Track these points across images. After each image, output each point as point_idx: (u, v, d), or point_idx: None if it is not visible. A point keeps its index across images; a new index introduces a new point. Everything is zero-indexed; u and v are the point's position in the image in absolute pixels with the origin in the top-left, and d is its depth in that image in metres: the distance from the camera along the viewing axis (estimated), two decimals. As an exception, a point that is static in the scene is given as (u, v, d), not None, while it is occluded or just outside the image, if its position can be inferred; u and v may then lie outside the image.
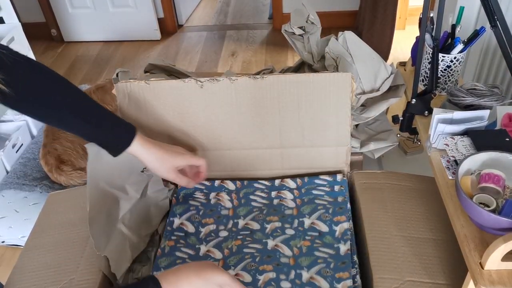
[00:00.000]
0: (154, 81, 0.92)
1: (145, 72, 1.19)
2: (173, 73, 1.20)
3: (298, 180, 0.97)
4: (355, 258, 0.82)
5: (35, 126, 1.96)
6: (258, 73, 1.22)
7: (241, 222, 0.92)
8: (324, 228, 0.88)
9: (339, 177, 0.97)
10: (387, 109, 1.10)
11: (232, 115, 0.94)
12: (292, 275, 0.80)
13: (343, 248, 0.84)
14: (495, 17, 0.92)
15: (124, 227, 0.88)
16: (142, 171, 0.94)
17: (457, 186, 0.70)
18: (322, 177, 0.97)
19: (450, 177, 0.79)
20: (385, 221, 0.85)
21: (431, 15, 1.00)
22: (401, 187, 0.92)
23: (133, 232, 0.90)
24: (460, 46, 1.00)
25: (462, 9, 1.02)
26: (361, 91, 1.02)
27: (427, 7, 0.89)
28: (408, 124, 1.01)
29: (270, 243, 0.87)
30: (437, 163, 0.83)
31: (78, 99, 0.83)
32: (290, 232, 0.89)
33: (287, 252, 0.85)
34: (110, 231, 0.86)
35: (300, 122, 0.94)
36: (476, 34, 1.00)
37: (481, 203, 0.67)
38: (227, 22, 3.49)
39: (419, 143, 1.19)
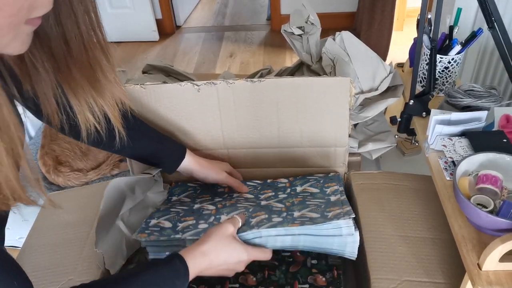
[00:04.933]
0: (150, 85, 0.91)
1: (143, 73, 1.20)
2: (171, 74, 1.20)
3: (291, 178, 0.97)
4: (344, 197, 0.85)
5: (33, 127, 1.96)
6: (256, 74, 1.22)
7: (235, 195, 0.94)
8: (315, 190, 0.90)
9: (331, 174, 0.96)
10: (385, 110, 1.10)
11: (230, 117, 0.94)
12: (284, 214, 0.81)
13: (334, 198, 0.86)
14: (493, 18, 0.92)
15: (123, 224, 0.88)
16: (153, 176, 0.95)
17: (454, 187, 0.70)
18: (315, 175, 0.97)
19: (448, 178, 0.79)
20: (382, 221, 0.85)
21: (429, 16, 1.00)
22: (398, 187, 0.92)
23: (131, 230, 0.90)
24: (457, 48, 1.00)
25: (459, 10, 1.02)
26: (359, 91, 1.02)
27: (425, 8, 0.89)
28: (406, 125, 1.02)
29: (263, 202, 0.88)
30: (435, 164, 0.83)
31: (141, 122, 0.91)
32: (282, 196, 0.91)
33: (280, 205, 0.86)
34: (109, 227, 0.86)
35: (298, 124, 0.94)
36: (473, 36, 1.00)
37: (478, 204, 0.68)
38: (225, 23, 3.50)
39: (417, 144, 1.19)
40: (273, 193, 0.92)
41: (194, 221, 0.83)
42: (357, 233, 0.75)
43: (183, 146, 0.93)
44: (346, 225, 0.75)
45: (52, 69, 0.57)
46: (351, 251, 0.76)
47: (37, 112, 0.68)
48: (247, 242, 0.76)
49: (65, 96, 0.61)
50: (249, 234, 0.76)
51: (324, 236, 0.75)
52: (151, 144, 0.90)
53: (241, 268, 0.73)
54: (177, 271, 0.66)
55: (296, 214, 0.81)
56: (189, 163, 0.92)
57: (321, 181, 0.93)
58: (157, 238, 0.80)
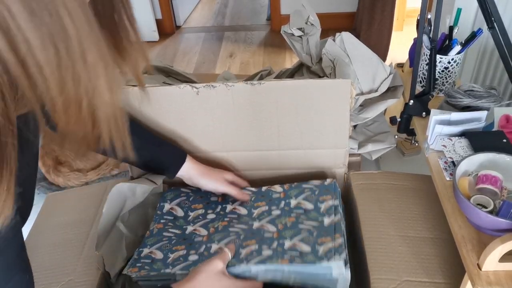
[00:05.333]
0: (148, 87, 0.91)
1: (143, 73, 1.19)
2: (171, 74, 1.20)
3: (286, 186, 0.96)
4: (342, 226, 0.82)
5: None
6: (255, 75, 1.22)
7: (229, 207, 0.93)
8: (309, 206, 0.88)
9: (328, 181, 0.94)
10: (385, 110, 1.10)
11: (229, 119, 0.94)
12: (275, 245, 0.79)
13: (327, 220, 0.83)
14: (493, 18, 0.93)
15: (123, 225, 0.89)
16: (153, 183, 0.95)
17: (454, 187, 0.70)
18: (311, 182, 0.96)
19: (448, 178, 0.79)
20: (382, 221, 0.85)
21: (429, 16, 1.00)
22: (398, 187, 0.92)
23: (130, 231, 0.90)
24: (457, 48, 1.00)
25: (459, 10, 1.02)
26: (359, 92, 1.02)
27: (424, 8, 0.89)
28: (406, 125, 1.02)
29: (256, 224, 0.87)
30: (434, 164, 0.83)
31: (140, 127, 0.93)
32: (276, 212, 0.89)
33: (272, 229, 0.85)
34: (109, 228, 0.86)
35: (298, 126, 0.94)
36: (473, 36, 1.00)
37: (478, 204, 0.68)
38: (225, 23, 3.50)
39: (417, 144, 1.19)
40: (267, 208, 0.91)
41: (185, 251, 0.83)
42: (348, 271, 0.73)
43: (183, 151, 0.93)
44: (337, 267, 0.73)
45: None
46: None
47: None
48: (236, 276, 0.76)
49: None
50: (238, 269, 0.76)
51: (315, 274, 0.74)
52: (151, 149, 0.90)
53: None
54: None
55: (287, 244, 0.79)
56: (189, 169, 0.92)
57: (316, 192, 0.91)
58: (147, 273, 0.79)
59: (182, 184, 0.99)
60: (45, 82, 0.39)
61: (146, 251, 0.84)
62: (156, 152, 0.90)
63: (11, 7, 0.34)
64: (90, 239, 0.88)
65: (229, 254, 0.77)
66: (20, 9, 0.35)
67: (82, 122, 0.44)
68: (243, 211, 0.92)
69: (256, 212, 0.91)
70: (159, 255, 0.83)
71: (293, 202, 0.91)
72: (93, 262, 0.83)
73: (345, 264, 0.73)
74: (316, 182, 0.95)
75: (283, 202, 0.91)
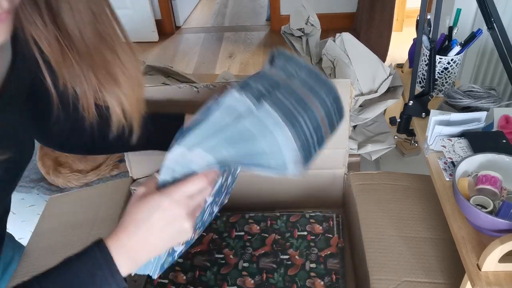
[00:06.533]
0: (148, 87, 0.91)
1: (143, 74, 1.20)
2: (170, 75, 1.20)
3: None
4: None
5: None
6: (256, 75, 1.22)
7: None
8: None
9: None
10: (385, 110, 1.10)
11: (230, 116, 0.94)
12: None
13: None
14: (492, 19, 0.93)
15: None
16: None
17: (454, 187, 0.70)
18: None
19: (447, 179, 0.80)
20: (381, 222, 0.85)
21: (428, 17, 1.00)
22: (397, 187, 0.92)
23: None
24: (457, 48, 1.00)
25: (459, 11, 1.02)
26: (359, 93, 1.03)
27: (424, 9, 0.89)
28: (406, 125, 1.02)
29: None
30: (434, 164, 0.83)
31: None
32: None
33: None
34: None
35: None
36: (473, 36, 1.00)
37: (478, 205, 0.68)
38: (225, 24, 3.50)
39: (416, 144, 1.20)
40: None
41: None
42: (266, 105, 0.52)
43: (180, 114, 0.81)
44: (230, 96, 0.53)
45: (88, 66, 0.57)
46: (290, 156, 0.55)
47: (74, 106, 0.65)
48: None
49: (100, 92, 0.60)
50: (161, 175, 0.58)
51: (235, 130, 0.53)
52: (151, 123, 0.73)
53: (179, 212, 0.55)
54: (94, 259, 0.56)
55: None
56: None
57: None
58: None
59: None
60: None
61: None
62: (163, 129, 0.76)
63: None
64: (91, 240, 0.88)
65: (156, 177, 0.59)
66: None
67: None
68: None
69: None
70: None
71: None
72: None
73: (257, 99, 0.53)
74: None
75: None
